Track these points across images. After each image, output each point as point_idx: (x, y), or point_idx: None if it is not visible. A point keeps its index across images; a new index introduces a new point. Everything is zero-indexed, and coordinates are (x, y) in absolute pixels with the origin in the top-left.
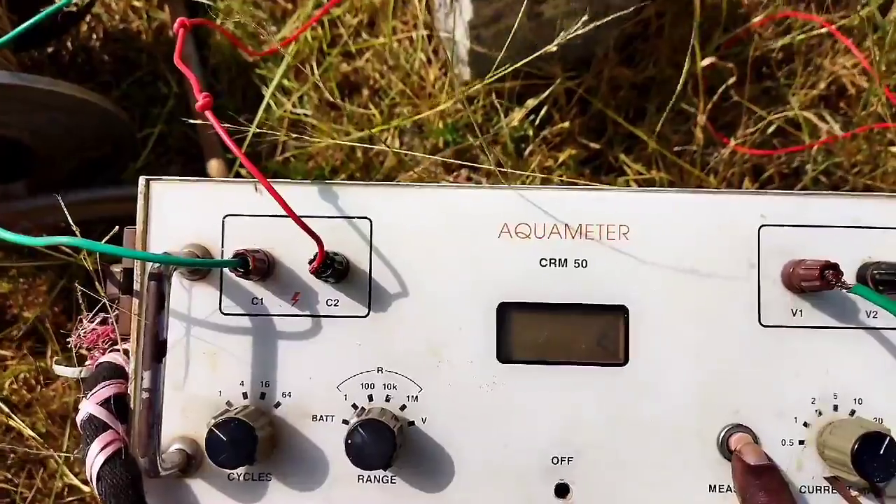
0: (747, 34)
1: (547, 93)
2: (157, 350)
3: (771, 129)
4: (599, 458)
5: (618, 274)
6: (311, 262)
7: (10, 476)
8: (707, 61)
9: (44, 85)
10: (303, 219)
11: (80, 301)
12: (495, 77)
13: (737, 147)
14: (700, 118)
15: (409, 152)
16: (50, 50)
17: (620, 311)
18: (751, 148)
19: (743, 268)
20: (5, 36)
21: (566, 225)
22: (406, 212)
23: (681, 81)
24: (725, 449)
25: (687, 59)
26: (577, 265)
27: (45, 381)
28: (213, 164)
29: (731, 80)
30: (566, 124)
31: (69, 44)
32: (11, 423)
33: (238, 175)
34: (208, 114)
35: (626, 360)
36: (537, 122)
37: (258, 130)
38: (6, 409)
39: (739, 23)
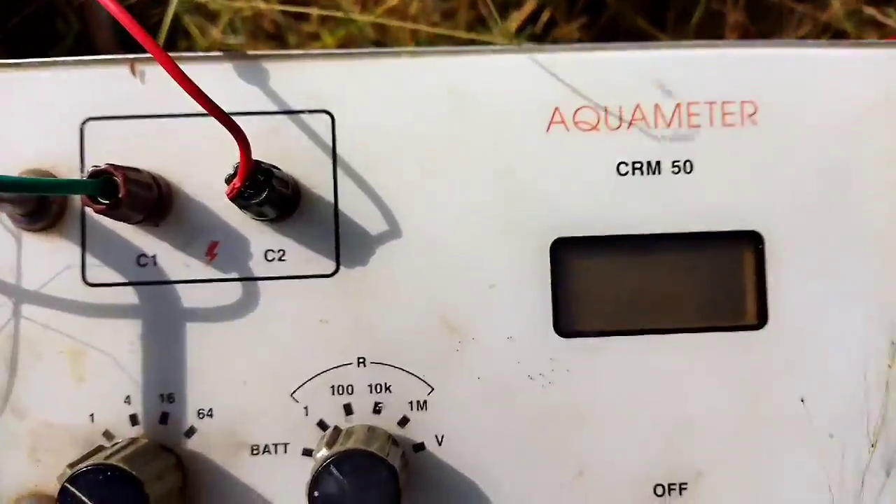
0: None
1: None
2: None
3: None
4: (728, 480)
5: (743, 182)
6: (228, 179)
7: None
8: None
9: None
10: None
11: None
12: None
13: None
14: (733, 16)
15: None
16: None
17: (750, 242)
18: None
19: None
20: None
21: (656, 105)
22: (390, 98)
23: None
24: None
25: None
26: (676, 170)
27: None
28: None
29: None
30: (573, 30)
31: None
32: None
33: None
34: None
35: (762, 322)
36: (538, 29)
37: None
38: None
39: None
